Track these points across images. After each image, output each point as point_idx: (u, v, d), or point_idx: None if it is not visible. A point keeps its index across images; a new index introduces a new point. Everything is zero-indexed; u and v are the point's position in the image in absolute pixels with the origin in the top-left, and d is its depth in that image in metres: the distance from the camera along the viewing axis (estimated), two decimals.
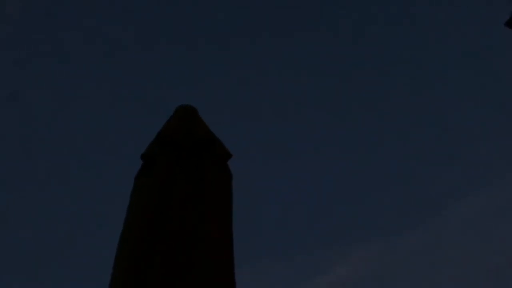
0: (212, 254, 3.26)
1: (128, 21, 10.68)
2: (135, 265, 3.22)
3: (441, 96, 10.86)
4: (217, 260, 3.26)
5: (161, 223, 3.37)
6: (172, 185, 3.50)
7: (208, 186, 3.55)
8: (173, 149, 3.67)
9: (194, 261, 3.23)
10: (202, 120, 3.92)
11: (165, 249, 3.27)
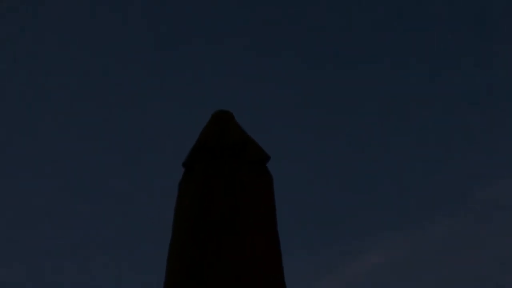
0: (260, 260, 3.32)
1: (160, 20, 10.75)
2: (186, 274, 3.29)
3: None
4: (263, 263, 3.31)
5: (205, 229, 3.44)
6: (211, 191, 3.56)
7: (247, 189, 3.60)
8: (210, 154, 3.73)
9: (242, 267, 3.28)
10: (238, 124, 3.98)
11: (212, 256, 3.33)
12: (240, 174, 3.63)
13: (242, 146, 3.77)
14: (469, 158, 10.22)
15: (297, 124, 10.63)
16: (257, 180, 3.65)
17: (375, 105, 10.65)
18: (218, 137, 3.79)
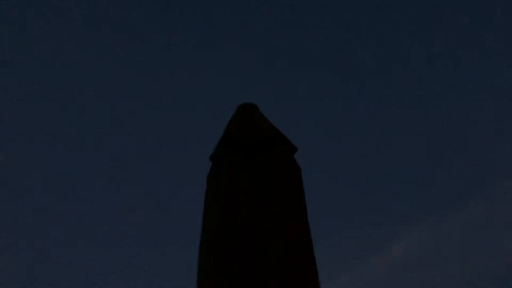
0: (293, 249, 3.32)
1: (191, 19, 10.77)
2: (217, 268, 3.30)
3: None
4: (296, 252, 3.32)
5: (235, 221, 3.44)
6: (240, 184, 3.57)
7: (278, 180, 3.61)
8: (238, 147, 3.74)
9: (274, 256, 3.29)
10: (264, 116, 3.99)
11: (244, 248, 3.34)
12: (269, 165, 3.64)
13: (270, 137, 3.78)
14: (497, 149, 10.18)
15: (316, 114, 10.62)
16: (286, 170, 3.66)
17: (399, 94, 10.63)
18: (245, 129, 3.80)
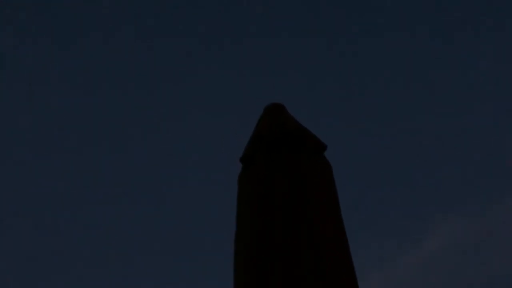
0: (329, 248, 3.30)
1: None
2: (253, 270, 3.28)
3: None
4: (332, 251, 3.30)
5: (269, 222, 3.43)
6: (274, 184, 3.56)
7: (310, 179, 3.59)
8: (268, 147, 3.73)
9: (311, 259, 3.26)
10: (291, 115, 3.98)
11: (279, 248, 3.32)
12: (300, 164, 3.63)
13: (299, 136, 3.76)
14: None
15: (346, 113, 10.61)
16: (318, 169, 3.65)
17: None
18: (274, 129, 3.79)
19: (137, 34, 10.48)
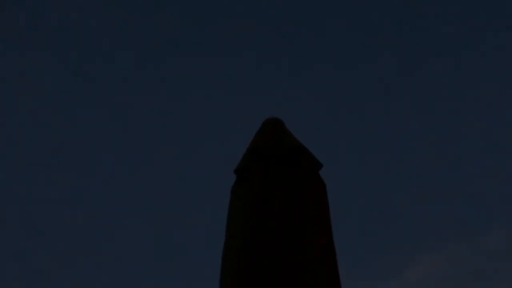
0: (317, 266, 3.29)
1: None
2: (241, 281, 3.27)
3: None
4: (324, 272, 3.29)
5: (260, 236, 3.42)
6: (269, 196, 3.55)
7: (303, 196, 3.59)
8: (266, 161, 3.72)
9: (300, 274, 3.26)
10: (290, 131, 3.97)
11: (269, 265, 3.31)
12: (295, 181, 3.62)
13: (296, 153, 3.76)
14: None
15: (345, 129, 10.62)
16: (312, 186, 3.64)
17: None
18: (272, 144, 3.78)
19: None
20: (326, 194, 3.69)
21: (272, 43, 10.63)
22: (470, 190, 10.23)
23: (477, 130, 10.38)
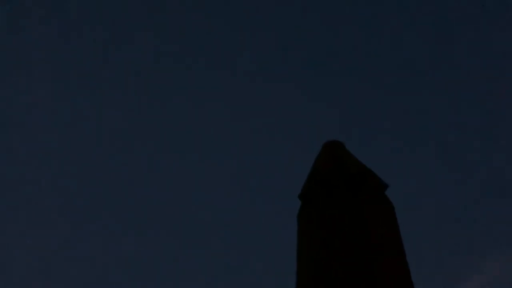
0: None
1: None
2: None
3: None
4: None
5: (330, 258, 3.32)
6: (334, 222, 3.45)
7: (370, 219, 3.47)
8: (327, 186, 3.63)
9: None
10: (351, 154, 3.86)
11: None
12: (361, 204, 3.51)
13: (360, 175, 3.65)
14: None
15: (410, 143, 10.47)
16: (379, 209, 3.53)
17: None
18: (334, 167, 3.68)
19: None
20: (395, 217, 3.56)
21: None
22: None
23: None
